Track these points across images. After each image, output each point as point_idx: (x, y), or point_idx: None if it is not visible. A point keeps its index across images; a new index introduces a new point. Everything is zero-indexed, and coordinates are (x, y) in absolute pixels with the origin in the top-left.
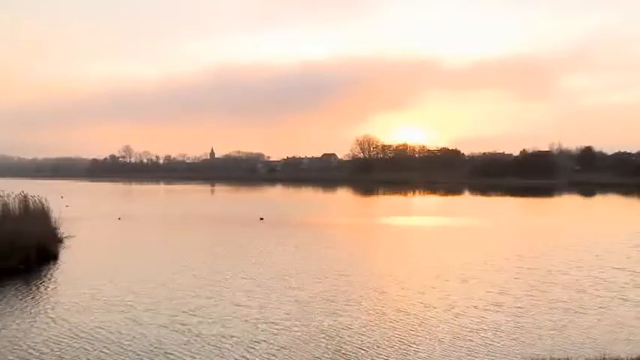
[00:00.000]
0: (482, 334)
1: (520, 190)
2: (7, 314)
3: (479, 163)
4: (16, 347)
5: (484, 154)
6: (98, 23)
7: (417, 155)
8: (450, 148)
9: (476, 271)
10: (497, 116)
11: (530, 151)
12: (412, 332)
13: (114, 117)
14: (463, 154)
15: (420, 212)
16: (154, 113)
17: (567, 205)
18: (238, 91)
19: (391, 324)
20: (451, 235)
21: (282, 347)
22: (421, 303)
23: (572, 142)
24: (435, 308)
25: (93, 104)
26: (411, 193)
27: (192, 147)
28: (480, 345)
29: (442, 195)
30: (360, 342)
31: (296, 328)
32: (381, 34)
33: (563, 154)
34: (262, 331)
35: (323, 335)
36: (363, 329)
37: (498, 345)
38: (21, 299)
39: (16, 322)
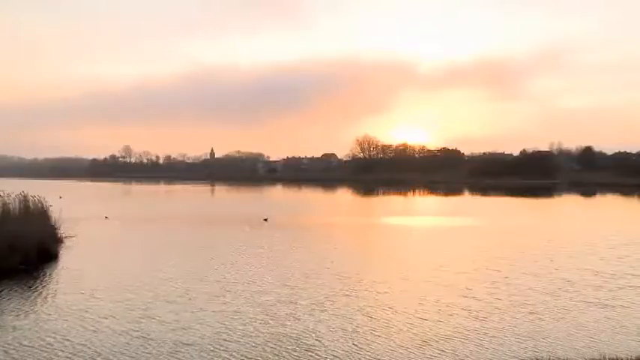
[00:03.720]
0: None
1: (520, 190)
2: (8, 314)
3: (478, 163)
4: (16, 346)
5: (484, 154)
6: (99, 23)
7: (417, 155)
8: (450, 148)
9: (471, 272)
10: (491, 116)
11: (530, 151)
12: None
13: (114, 117)
14: (463, 154)
15: (419, 212)
16: (154, 113)
17: (567, 205)
18: (237, 91)
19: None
20: (447, 235)
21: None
22: (389, 306)
23: (572, 142)
24: (399, 312)
25: (93, 104)
26: (411, 193)
27: (192, 147)
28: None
29: (442, 195)
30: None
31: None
32: (362, 36)
33: (563, 154)
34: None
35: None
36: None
37: (489, 347)
38: (21, 299)
39: (17, 321)
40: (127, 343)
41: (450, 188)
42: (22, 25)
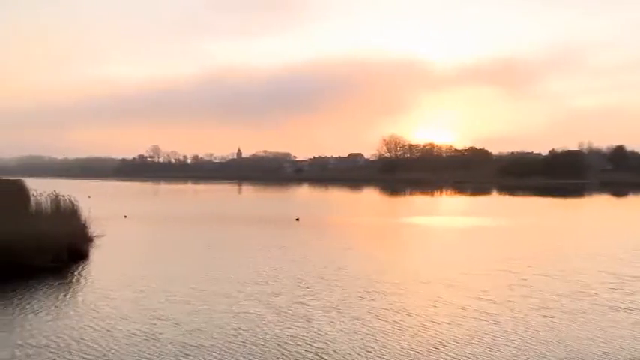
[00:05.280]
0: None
1: (549, 190)
2: (40, 312)
3: (507, 162)
4: (47, 344)
5: (512, 153)
6: (126, 25)
7: (444, 155)
8: (478, 147)
9: (488, 274)
10: (513, 115)
11: (559, 150)
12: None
13: (143, 117)
14: (491, 153)
15: (445, 212)
16: (182, 114)
17: (596, 206)
18: (261, 91)
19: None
20: (468, 235)
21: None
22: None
23: (598, 141)
24: (413, 314)
25: (122, 105)
26: (438, 193)
27: (220, 147)
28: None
29: (469, 195)
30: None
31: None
32: (381, 36)
33: (593, 154)
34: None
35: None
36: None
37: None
38: (53, 297)
39: (48, 319)
40: (141, 344)
41: (477, 188)
42: (48, 28)
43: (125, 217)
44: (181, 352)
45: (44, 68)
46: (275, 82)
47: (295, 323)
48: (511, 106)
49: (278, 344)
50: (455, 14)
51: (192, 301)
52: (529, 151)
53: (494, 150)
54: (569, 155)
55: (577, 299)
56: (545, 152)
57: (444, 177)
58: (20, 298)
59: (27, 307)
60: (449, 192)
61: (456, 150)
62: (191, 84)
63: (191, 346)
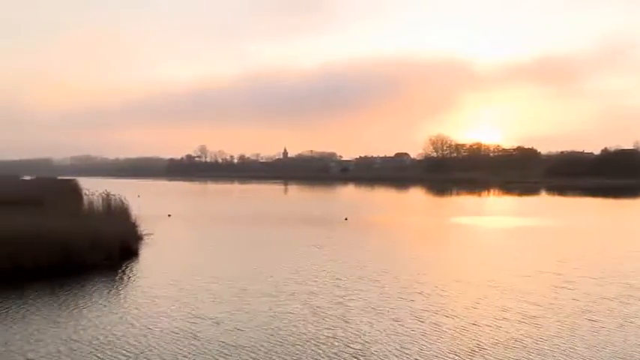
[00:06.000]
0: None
1: (601, 190)
2: (88, 309)
3: (556, 162)
4: (90, 340)
5: (561, 153)
6: (175, 26)
7: (491, 154)
8: (526, 147)
9: (532, 275)
10: (561, 114)
11: (613, 149)
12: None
13: (190, 118)
14: (539, 153)
15: (491, 212)
16: (228, 114)
17: None
18: (306, 91)
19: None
20: (514, 236)
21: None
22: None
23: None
24: (453, 316)
25: (170, 106)
26: (485, 192)
27: (266, 147)
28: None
29: (517, 195)
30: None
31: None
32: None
33: None
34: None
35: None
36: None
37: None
38: (101, 295)
39: (95, 316)
40: (180, 342)
41: (526, 188)
42: (98, 33)
43: (169, 215)
44: (220, 351)
45: (95, 71)
46: (320, 82)
47: (334, 324)
48: (559, 105)
49: (316, 345)
50: (500, 12)
51: (233, 300)
52: (579, 150)
53: (543, 149)
54: (622, 154)
55: (625, 303)
56: (596, 151)
57: (492, 177)
58: (71, 296)
59: (76, 304)
60: (496, 192)
61: (503, 149)
62: (236, 85)
63: (230, 345)
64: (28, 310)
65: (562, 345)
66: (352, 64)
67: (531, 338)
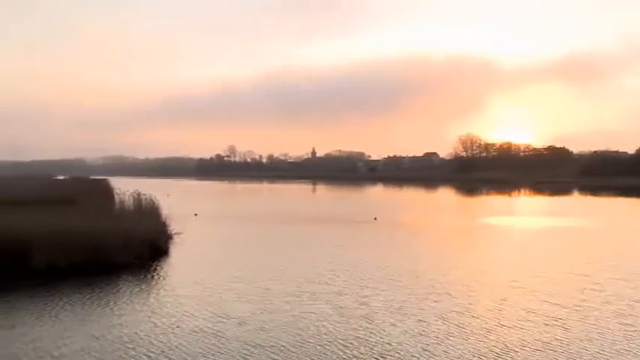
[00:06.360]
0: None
1: (637, 190)
2: (116, 307)
3: (589, 161)
4: (118, 338)
5: (594, 152)
6: (194, 27)
7: (522, 154)
8: (557, 146)
9: (559, 277)
10: (589, 113)
11: None
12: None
13: (219, 118)
14: (571, 152)
15: (521, 213)
16: (257, 114)
17: None
18: (334, 90)
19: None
20: (543, 237)
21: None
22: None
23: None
24: (479, 317)
25: (199, 106)
26: (516, 192)
27: (294, 146)
28: None
29: (548, 195)
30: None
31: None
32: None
33: None
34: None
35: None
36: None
37: None
38: (130, 294)
39: (123, 314)
40: (205, 341)
41: (557, 188)
42: (126, 32)
43: (195, 215)
44: (244, 350)
45: (127, 72)
46: (349, 81)
47: (358, 324)
48: (589, 104)
49: (341, 345)
50: (526, 11)
51: (257, 299)
52: (614, 149)
53: (575, 148)
54: None
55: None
56: (631, 150)
57: (523, 176)
58: (101, 294)
59: (105, 302)
60: (527, 192)
61: (534, 149)
62: (264, 84)
63: (254, 344)
64: (59, 308)
65: (590, 349)
66: (380, 64)
67: (558, 341)
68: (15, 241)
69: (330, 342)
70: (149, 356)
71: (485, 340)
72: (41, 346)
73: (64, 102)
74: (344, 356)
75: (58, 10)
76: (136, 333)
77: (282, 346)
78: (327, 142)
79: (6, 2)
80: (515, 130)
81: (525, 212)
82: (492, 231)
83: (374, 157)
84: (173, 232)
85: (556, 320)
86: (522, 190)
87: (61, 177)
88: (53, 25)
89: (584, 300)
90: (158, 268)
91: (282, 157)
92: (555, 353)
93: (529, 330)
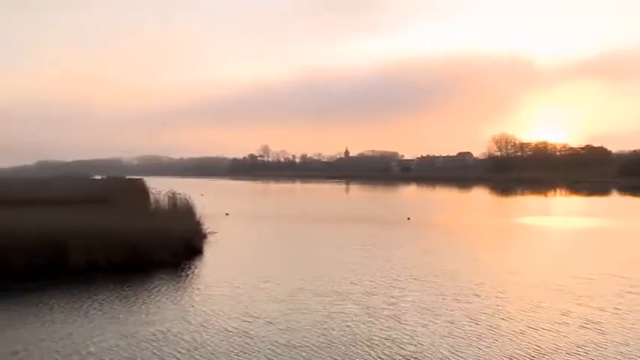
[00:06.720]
0: None
1: None
2: (153, 304)
3: (629, 160)
4: (147, 336)
5: (634, 151)
6: (224, 27)
7: (558, 153)
8: (595, 145)
9: (596, 279)
10: (626, 112)
11: None
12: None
13: (253, 118)
14: (610, 151)
15: (557, 213)
16: (290, 114)
17: None
18: (365, 90)
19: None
20: (579, 237)
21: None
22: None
23: None
24: (511, 319)
25: (234, 106)
26: (552, 192)
27: (328, 146)
28: None
29: (585, 195)
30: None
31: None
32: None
33: None
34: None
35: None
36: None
37: None
38: (167, 291)
39: (154, 313)
40: (233, 340)
41: (595, 188)
42: (165, 31)
43: (227, 214)
44: (272, 349)
45: (162, 74)
46: (381, 81)
47: (388, 324)
48: (627, 102)
49: (369, 346)
50: (561, 8)
51: (287, 299)
52: None
53: (613, 148)
54: None
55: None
56: None
57: (559, 176)
58: (136, 292)
59: (139, 300)
60: (564, 192)
61: (571, 148)
62: (297, 84)
63: (282, 344)
64: (93, 305)
65: (628, 354)
66: (413, 63)
67: (594, 345)
68: (56, 239)
69: (358, 342)
70: (177, 354)
71: (518, 343)
72: (72, 343)
73: (102, 103)
74: (372, 357)
75: (96, 14)
76: (166, 331)
77: (310, 346)
78: (361, 142)
79: (49, 6)
80: (550, 130)
81: (561, 212)
82: (527, 231)
83: (407, 157)
84: (207, 231)
85: (592, 323)
86: (558, 190)
87: (98, 177)
88: (93, 27)
89: (622, 303)
90: (192, 266)
91: (315, 157)
92: (591, 358)
93: (564, 333)
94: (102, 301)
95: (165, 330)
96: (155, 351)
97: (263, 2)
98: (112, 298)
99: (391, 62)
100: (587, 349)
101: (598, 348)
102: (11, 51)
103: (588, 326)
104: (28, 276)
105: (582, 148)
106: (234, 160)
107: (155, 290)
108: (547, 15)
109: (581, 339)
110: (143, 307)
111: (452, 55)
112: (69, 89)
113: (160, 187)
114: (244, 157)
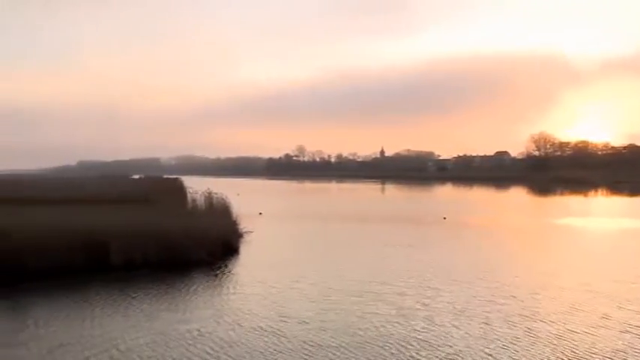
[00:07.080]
0: None
1: None
2: (189, 303)
3: None
4: (181, 334)
5: None
6: (271, 29)
7: (599, 153)
8: (638, 144)
9: (636, 281)
10: None
11: None
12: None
13: (288, 118)
14: None
15: (597, 214)
16: (326, 114)
17: None
18: (400, 90)
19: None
20: (620, 239)
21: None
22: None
23: None
24: (547, 322)
25: (270, 106)
26: (593, 192)
27: (363, 146)
28: None
29: (628, 195)
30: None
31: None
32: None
33: None
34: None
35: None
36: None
37: None
38: (202, 290)
39: (195, 310)
40: (266, 339)
41: (638, 188)
42: (202, 31)
43: (260, 214)
44: (304, 349)
45: (198, 74)
46: (417, 80)
47: (421, 326)
48: None
49: (402, 347)
50: (598, 5)
51: (320, 299)
52: None
53: None
54: None
55: None
56: None
57: (600, 176)
58: (172, 290)
59: (175, 298)
60: (605, 192)
61: (612, 147)
62: (333, 84)
63: (314, 344)
64: (129, 303)
65: None
66: (449, 63)
67: (635, 350)
68: (96, 238)
69: (390, 343)
70: (211, 352)
71: (554, 346)
72: (110, 339)
73: (139, 103)
74: (405, 359)
75: (134, 15)
76: (201, 329)
77: (342, 346)
78: (396, 142)
79: (88, 9)
80: (590, 129)
81: (602, 213)
82: (566, 232)
83: (443, 157)
84: (244, 231)
85: (632, 327)
86: (600, 190)
87: (136, 176)
88: (130, 29)
89: None
90: (228, 265)
91: (351, 157)
92: None
93: (602, 337)
94: (140, 299)
95: (199, 328)
96: (190, 348)
97: (299, 2)
98: (149, 296)
99: (428, 61)
100: (627, 353)
101: (637, 352)
102: (52, 54)
103: (628, 330)
104: (70, 273)
105: (624, 147)
106: (270, 159)
107: (191, 289)
108: (584, 11)
109: (621, 343)
110: (179, 305)
111: (489, 54)
112: (107, 91)
113: (196, 186)
114: (280, 157)
